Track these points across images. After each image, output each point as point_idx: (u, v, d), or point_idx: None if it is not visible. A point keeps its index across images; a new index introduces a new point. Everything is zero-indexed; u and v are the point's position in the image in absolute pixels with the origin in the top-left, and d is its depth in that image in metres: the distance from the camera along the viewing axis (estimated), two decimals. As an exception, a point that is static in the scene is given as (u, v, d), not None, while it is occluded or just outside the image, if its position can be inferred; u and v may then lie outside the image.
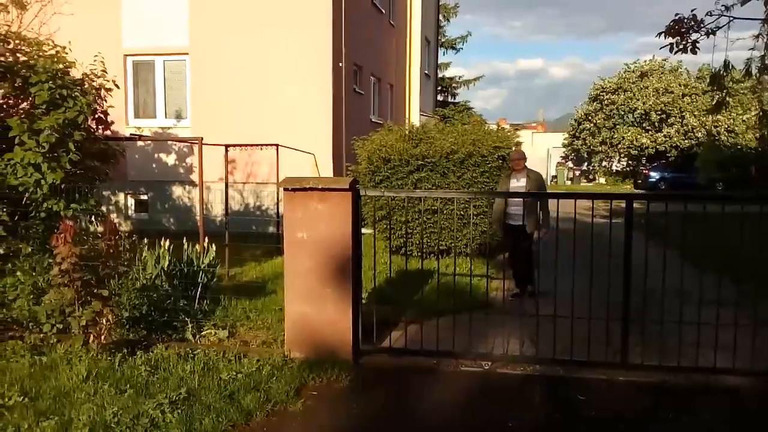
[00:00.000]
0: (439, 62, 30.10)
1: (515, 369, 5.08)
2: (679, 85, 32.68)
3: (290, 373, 4.79)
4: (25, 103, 6.80)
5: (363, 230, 5.52)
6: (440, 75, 32.35)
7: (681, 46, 10.25)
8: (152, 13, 13.36)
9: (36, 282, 5.61)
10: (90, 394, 4.34)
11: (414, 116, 21.57)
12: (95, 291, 5.15)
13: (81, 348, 5.04)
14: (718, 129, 30.91)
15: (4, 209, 5.89)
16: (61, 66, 6.58)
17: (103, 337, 5.11)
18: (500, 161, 9.56)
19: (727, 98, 12.52)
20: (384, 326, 5.62)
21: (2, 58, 6.39)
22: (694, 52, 10.20)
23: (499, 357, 5.26)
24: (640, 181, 29.87)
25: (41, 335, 5.32)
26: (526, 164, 7.56)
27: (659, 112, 32.39)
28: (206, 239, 7.14)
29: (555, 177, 36.04)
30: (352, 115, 14.32)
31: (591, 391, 4.63)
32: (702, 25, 10.02)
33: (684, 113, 31.96)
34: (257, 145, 10.27)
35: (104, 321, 5.09)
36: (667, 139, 32.20)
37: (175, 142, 13.01)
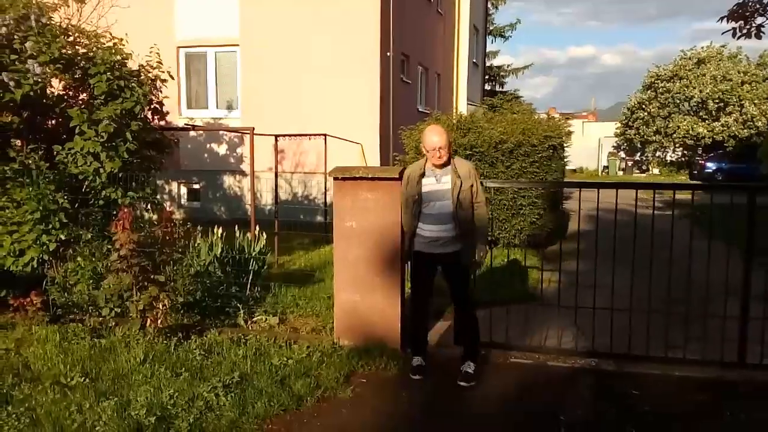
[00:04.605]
0: (487, 50, 29.69)
1: (566, 362, 4.99)
2: (738, 72, 31.44)
3: (339, 360, 4.83)
4: (84, 94, 7.00)
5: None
6: (488, 63, 31.91)
7: (745, 31, 9.82)
8: (204, 5, 13.60)
9: (95, 267, 5.80)
10: (147, 376, 4.48)
11: (462, 105, 21.37)
12: (152, 277, 5.30)
13: (138, 332, 5.19)
14: (780, 118, 29.66)
15: (66, 197, 6.10)
16: (118, 57, 6.74)
17: (159, 322, 5.26)
18: (551, 151, 9.39)
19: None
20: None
21: (64, 51, 6.59)
22: (758, 37, 9.76)
23: (550, 349, 5.18)
24: (695, 172, 28.91)
25: (100, 319, 5.52)
26: (451, 154, 4.62)
27: (717, 101, 31.24)
28: (257, 227, 7.25)
29: (606, 167, 35.23)
30: (399, 104, 14.29)
31: (645, 386, 4.51)
32: (768, 8, 9.58)
33: (743, 101, 30.75)
34: (305, 135, 10.35)
35: (160, 306, 5.24)
36: (725, 128, 31.05)
37: (225, 132, 13.24)
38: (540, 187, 9.32)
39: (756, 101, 30.47)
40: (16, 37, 6.41)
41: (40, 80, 6.41)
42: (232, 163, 13.72)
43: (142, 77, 6.88)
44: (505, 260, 7.40)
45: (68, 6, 8.09)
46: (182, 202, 14.27)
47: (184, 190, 14.36)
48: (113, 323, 5.43)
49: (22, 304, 5.61)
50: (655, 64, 35.59)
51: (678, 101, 32.79)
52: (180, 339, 5.14)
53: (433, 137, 4.52)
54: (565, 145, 10.18)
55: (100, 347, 5.05)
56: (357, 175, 5.14)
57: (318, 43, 12.89)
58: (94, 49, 6.82)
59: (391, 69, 13.49)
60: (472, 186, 4.52)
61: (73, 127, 6.36)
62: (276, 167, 9.60)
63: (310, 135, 10.28)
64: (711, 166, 27.90)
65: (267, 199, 12.19)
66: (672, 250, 4.72)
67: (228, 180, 13.94)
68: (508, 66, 35.46)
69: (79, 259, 5.88)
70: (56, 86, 7.06)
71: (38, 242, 5.87)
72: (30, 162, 6.12)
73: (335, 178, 5.22)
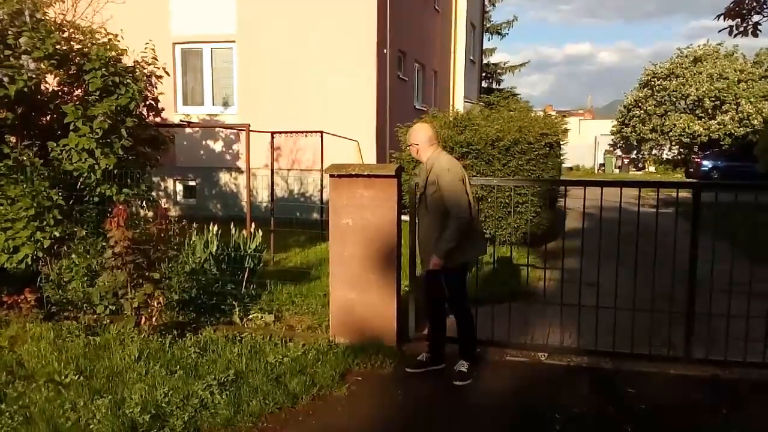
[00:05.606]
0: (484, 48, 29.67)
1: (562, 359, 4.99)
2: (735, 70, 31.48)
3: (335, 358, 4.82)
4: (79, 90, 6.98)
5: (404, 217, 5.47)
6: (485, 61, 31.91)
7: (741, 29, 9.81)
8: (200, 2, 13.54)
9: (90, 264, 5.77)
10: (142, 374, 4.46)
11: (458, 103, 21.34)
12: (147, 274, 5.26)
13: (133, 329, 5.17)
14: (776, 116, 29.70)
15: (60, 194, 6.07)
16: (113, 53, 6.71)
17: (154, 319, 5.23)
18: (547, 149, 9.38)
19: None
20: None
21: (58, 47, 6.55)
22: (755, 35, 9.76)
23: (546, 347, 5.18)
24: (691, 170, 28.92)
25: (95, 316, 5.50)
26: (426, 148, 4.60)
27: (713, 99, 31.28)
28: (253, 225, 7.23)
29: (603, 165, 35.29)
30: (396, 101, 14.26)
31: (641, 384, 4.51)
32: (765, 6, 9.57)
33: (739, 100, 30.79)
34: (302, 132, 10.34)
35: (155, 303, 5.21)
36: (721, 126, 31.10)
37: (221, 129, 13.20)
38: (538, 185, 9.31)
39: (752, 99, 30.52)
40: (10, 32, 6.37)
41: (34, 76, 6.38)
42: (228, 160, 13.68)
43: (137, 73, 6.84)
44: (503, 257, 7.39)
45: (63, 1, 8.05)
46: (178, 199, 14.22)
47: (179, 187, 14.31)
48: (108, 321, 5.40)
49: (16, 302, 5.59)
50: (652, 62, 35.60)
51: (674, 99, 32.83)
52: (175, 337, 5.12)
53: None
54: (561, 142, 10.17)
55: (95, 345, 5.02)
56: (353, 173, 5.12)
57: (315, 40, 12.85)
58: (89, 45, 6.79)
59: (387, 66, 13.47)
60: (435, 193, 4.45)
61: (68, 123, 6.33)
62: (272, 164, 9.58)
63: (307, 132, 10.26)
64: (707, 164, 27.88)
65: (263, 196, 12.15)
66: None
67: (224, 177, 13.90)
68: (505, 63, 35.47)
69: (73, 256, 5.85)
70: (51, 82, 7.03)
71: (32, 239, 5.84)
72: (24, 158, 6.09)
73: (331, 175, 5.20)
